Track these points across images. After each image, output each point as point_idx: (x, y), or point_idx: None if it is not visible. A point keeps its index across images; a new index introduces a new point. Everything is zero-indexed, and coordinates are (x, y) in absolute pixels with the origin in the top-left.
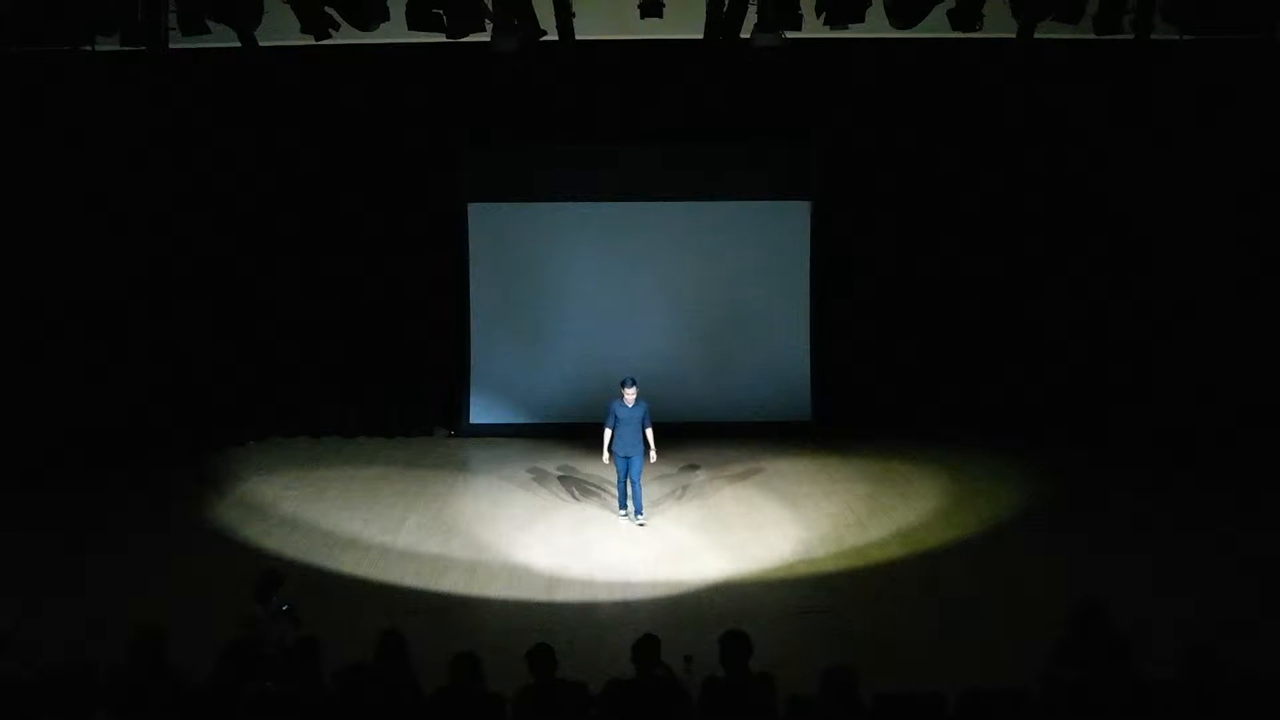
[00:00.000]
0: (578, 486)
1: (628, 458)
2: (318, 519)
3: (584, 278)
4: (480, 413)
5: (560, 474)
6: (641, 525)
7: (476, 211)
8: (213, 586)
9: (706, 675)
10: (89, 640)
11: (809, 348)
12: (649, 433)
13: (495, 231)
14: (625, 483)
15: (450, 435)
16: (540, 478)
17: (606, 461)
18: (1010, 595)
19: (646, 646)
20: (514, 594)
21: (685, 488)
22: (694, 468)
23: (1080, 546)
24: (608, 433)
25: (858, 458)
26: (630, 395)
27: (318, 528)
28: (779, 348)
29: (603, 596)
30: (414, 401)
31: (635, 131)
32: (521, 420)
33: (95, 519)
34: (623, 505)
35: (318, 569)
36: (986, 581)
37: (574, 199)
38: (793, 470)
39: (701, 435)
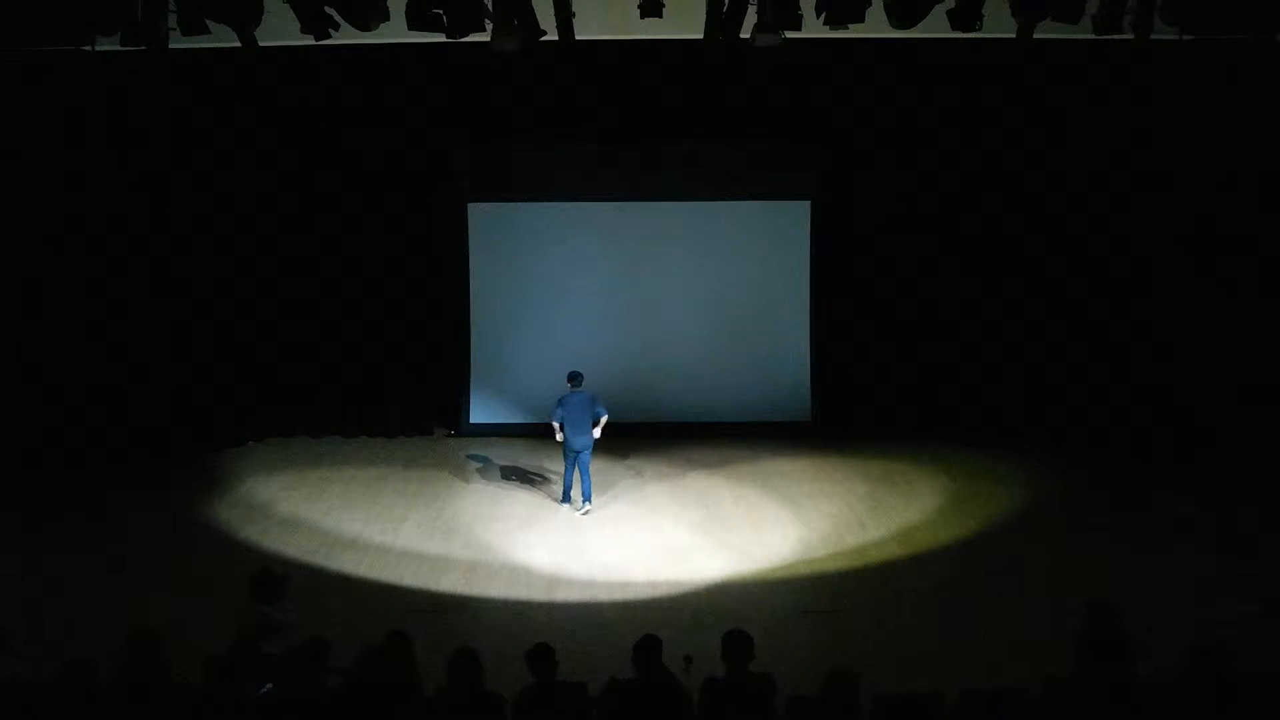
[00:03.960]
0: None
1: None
2: (318, 519)
3: (584, 278)
4: (480, 413)
5: (560, 474)
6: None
7: (476, 211)
8: (213, 586)
9: (706, 675)
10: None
11: (809, 348)
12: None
13: (495, 231)
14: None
15: (450, 435)
16: (540, 478)
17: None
18: (1010, 595)
19: (647, 647)
20: (514, 594)
21: (685, 488)
22: (694, 468)
23: (1080, 546)
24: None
25: (858, 458)
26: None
27: (318, 528)
28: (779, 348)
29: (603, 596)
30: (414, 401)
31: (635, 131)
32: (521, 420)
33: (95, 519)
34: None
35: (318, 569)
36: (986, 581)
37: (574, 199)
38: (793, 470)
39: (701, 435)
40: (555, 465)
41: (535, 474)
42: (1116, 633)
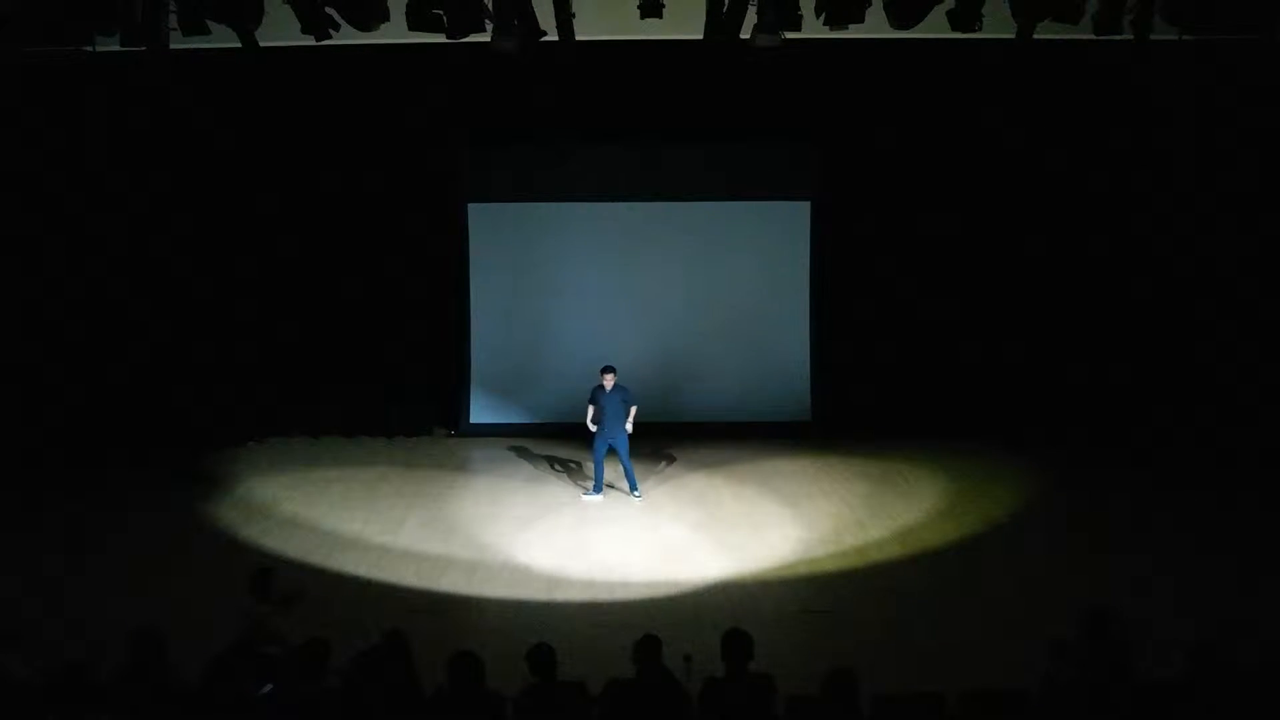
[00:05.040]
0: (578, 486)
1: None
2: (318, 519)
3: (584, 278)
4: (480, 413)
5: (560, 474)
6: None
7: (476, 211)
8: (213, 586)
9: (706, 675)
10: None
11: (809, 348)
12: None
13: (495, 231)
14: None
15: (450, 435)
16: (540, 478)
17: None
18: (1010, 595)
19: (646, 646)
20: (514, 594)
21: (685, 488)
22: (694, 468)
23: (1080, 546)
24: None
25: (858, 458)
26: (609, 380)
27: (318, 528)
28: (779, 348)
29: (603, 596)
30: (414, 401)
31: (635, 131)
32: (521, 420)
33: (95, 519)
34: (598, 489)
35: (318, 569)
36: (986, 581)
37: (574, 199)
38: (793, 470)
39: (701, 435)
40: (555, 465)
41: (535, 474)
42: (1116, 633)
